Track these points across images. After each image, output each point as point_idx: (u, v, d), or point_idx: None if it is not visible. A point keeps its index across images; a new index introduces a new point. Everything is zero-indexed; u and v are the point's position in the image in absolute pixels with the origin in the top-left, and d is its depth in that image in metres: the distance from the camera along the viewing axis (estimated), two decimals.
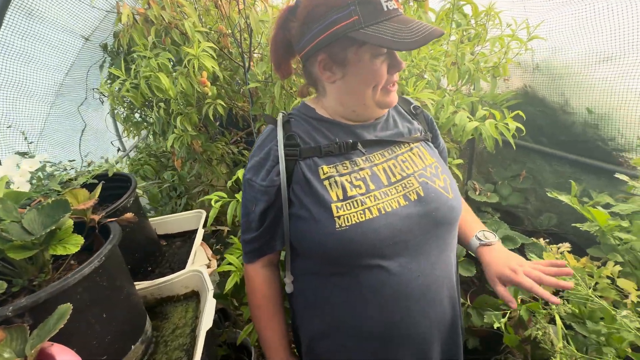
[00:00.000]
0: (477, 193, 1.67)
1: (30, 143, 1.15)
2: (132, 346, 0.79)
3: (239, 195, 1.20)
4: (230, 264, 1.16)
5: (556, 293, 1.13)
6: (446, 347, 0.78)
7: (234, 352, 1.40)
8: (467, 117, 1.32)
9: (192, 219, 1.47)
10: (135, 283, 0.96)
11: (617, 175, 1.12)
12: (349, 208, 0.66)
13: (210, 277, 1.27)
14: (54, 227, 0.67)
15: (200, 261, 1.29)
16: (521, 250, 1.39)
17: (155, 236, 1.30)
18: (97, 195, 0.85)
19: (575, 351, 0.90)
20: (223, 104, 1.51)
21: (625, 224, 1.07)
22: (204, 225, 1.34)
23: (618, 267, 1.03)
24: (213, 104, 1.48)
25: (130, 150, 2.56)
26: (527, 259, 0.78)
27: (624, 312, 0.88)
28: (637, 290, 0.98)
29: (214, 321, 1.49)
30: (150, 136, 2.04)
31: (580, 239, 1.47)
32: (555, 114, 1.60)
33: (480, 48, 1.55)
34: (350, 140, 0.72)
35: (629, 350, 0.89)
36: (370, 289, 0.69)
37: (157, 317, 0.99)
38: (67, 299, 0.60)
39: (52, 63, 1.48)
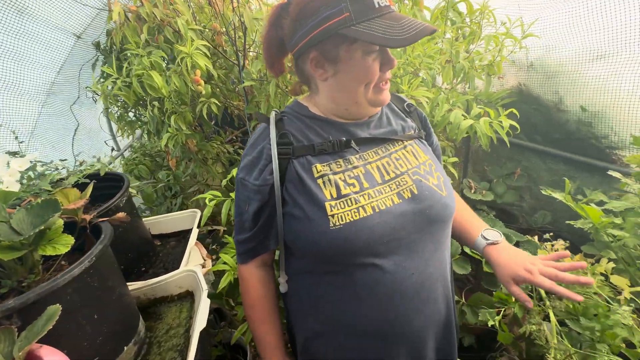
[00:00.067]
0: (473, 191, 1.68)
1: (21, 142, 1.14)
2: (125, 347, 0.79)
3: (233, 194, 1.19)
4: (225, 263, 1.16)
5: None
6: (441, 345, 0.78)
7: (230, 352, 1.40)
8: (462, 115, 1.32)
9: (186, 219, 1.46)
10: (128, 283, 0.95)
11: (610, 172, 1.13)
12: (342, 206, 0.66)
13: (205, 276, 1.26)
14: (43, 227, 0.66)
15: (195, 261, 1.28)
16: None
17: (149, 236, 1.28)
18: (88, 195, 0.84)
19: (570, 346, 0.90)
20: (217, 102, 1.50)
21: (618, 221, 1.08)
22: (199, 225, 1.34)
23: (611, 264, 1.03)
24: (207, 102, 1.47)
25: (125, 150, 2.54)
26: None
27: (624, 307, 0.89)
28: (630, 286, 0.99)
29: (209, 321, 1.49)
30: (145, 135, 2.02)
31: (574, 237, 1.47)
32: (549, 112, 1.61)
33: (475, 46, 1.55)
34: (344, 139, 0.71)
35: (623, 346, 0.89)
36: (364, 287, 0.68)
37: (150, 318, 0.98)
38: (56, 300, 0.59)
39: (43, 61, 1.45)
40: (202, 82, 1.41)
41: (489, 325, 1.04)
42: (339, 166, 0.70)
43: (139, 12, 1.32)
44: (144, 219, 1.38)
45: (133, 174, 2.09)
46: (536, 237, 1.32)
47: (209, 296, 1.11)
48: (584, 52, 1.35)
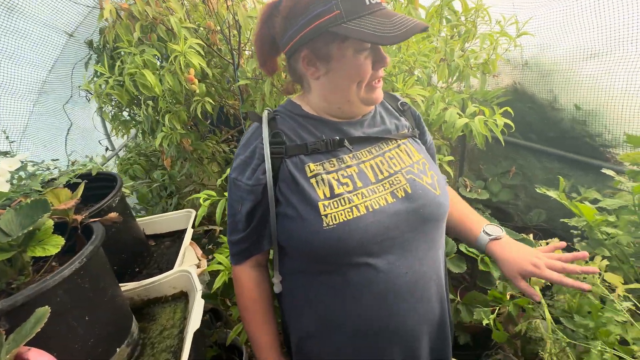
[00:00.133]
0: (468, 190, 1.68)
1: (12, 142, 1.12)
2: (117, 349, 0.78)
3: None
4: (219, 263, 1.15)
5: (548, 287, 1.14)
6: (435, 344, 0.78)
7: (225, 352, 1.39)
8: (458, 113, 1.32)
9: (181, 219, 1.45)
10: (121, 284, 0.94)
11: (604, 170, 1.13)
12: (336, 206, 0.65)
13: (200, 277, 1.25)
14: (32, 228, 0.65)
15: (189, 261, 1.27)
16: None
17: (142, 236, 1.27)
18: (79, 195, 0.83)
19: (565, 337, 0.90)
20: (211, 101, 1.49)
21: (612, 218, 1.08)
22: (194, 225, 1.33)
23: (605, 262, 1.04)
24: (201, 101, 1.46)
25: (120, 150, 2.52)
26: None
27: (625, 304, 0.89)
28: (623, 284, 1.00)
29: (205, 322, 1.48)
30: (140, 135, 2.01)
31: (568, 234, 1.48)
32: (544, 110, 1.62)
33: (470, 45, 1.55)
34: (337, 138, 0.70)
35: (617, 341, 0.90)
36: (358, 287, 0.68)
37: (144, 319, 0.98)
38: (45, 301, 0.58)
39: (34, 59, 1.43)
40: (196, 81, 1.40)
41: (484, 324, 1.04)
42: (332, 165, 0.69)
43: (131, 10, 1.31)
44: (138, 219, 1.37)
45: (128, 174, 2.07)
46: (531, 235, 1.32)
47: (203, 296, 1.11)
48: (578, 51, 1.36)
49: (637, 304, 0.97)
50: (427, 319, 0.74)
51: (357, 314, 0.69)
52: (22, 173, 0.95)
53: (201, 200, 1.21)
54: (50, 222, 0.70)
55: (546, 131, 1.65)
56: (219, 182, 1.43)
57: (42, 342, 0.55)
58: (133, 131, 2.10)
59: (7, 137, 1.09)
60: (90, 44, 1.75)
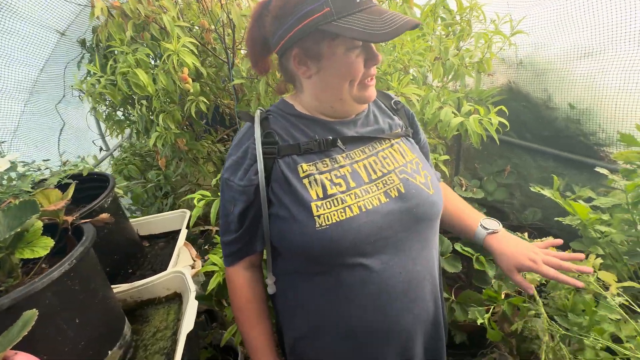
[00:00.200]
0: (463, 189, 1.68)
1: (3, 142, 1.11)
2: (109, 351, 0.77)
3: None
4: (214, 264, 1.14)
5: (543, 285, 1.15)
6: (429, 343, 0.78)
7: (220, 354, 1.38)
8: (453, 112, 1.32)
9: (176, 219, 1.44)
10: (113, 286, 0.93)
11: (597, 169, 1.14)
12: (329, 207, 0.65)
13: (194, 277, 1.24)
14: (20, 230, 0.64)
15: (184, 262, 1.26)
16: None
17: (136, 237, 1.26)
18: (69, 196, 0.82)
19: (560, 329, 0.90)
20: (206, 100, 1.47)
21: (605, 217, 1.09)
22: (188, 226, 1.32)
23: (599, 260, 1.04)
24: (195, 100, 1.44)
25: (114, 150, 2.50)
26: None
27: (617, 299, 0.90)
28: (617, 282, 1.00)
29: (200, 323, 1.47)
30: (134, 135, 1.99)
31: (563, 233, 1.49)
32: (538, 109, 1.62)
33: (465, 44, 1.55)
34: (330, 137, 0.70)
35: (610, 340, 0.90)
36: (352, 287, 0.68)
37: (137, 321, 0.96)
38: (33, 304, 0.57)
39: (25, 59, 1.41)
40: (190, 80, 1.39)
41: (478, 323, 1.04)
42: (325, 165, 0.69)
43: (123, 8, 1.30)
44: (132, 220, 1.36)
45: (123, 174, 2.06)
46: (526, 234, 1.32)
47: (198, 297, 1.10)
48: (572, 50, 1.36)
49: (631, 301, 0.98)
50: (421, 319, 0.74)
51: (350, 314, 0.69)
52: (12, 174, 0.94)
53: (195, 201, 1.20)
54: (39, 224, 0.68)
55: (541, 130, 1.66)
56: (214, 182, 1.42)
57: (29, 346, 0.54)
58: (128, 131, 2.09)
59: None
60: (83, 42, 1.74)
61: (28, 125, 1.54)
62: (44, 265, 0.76)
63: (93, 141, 2.18)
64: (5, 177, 0.88)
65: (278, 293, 0.79)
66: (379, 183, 0.70)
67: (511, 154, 1.83)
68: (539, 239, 1.19)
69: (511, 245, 0.77)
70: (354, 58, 0.63)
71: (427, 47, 1.41)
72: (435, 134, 1.64)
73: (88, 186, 1.17)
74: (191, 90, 1.42)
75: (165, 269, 1.07)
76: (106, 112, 1.82)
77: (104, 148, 2.38)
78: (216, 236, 1.32)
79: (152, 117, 1.59)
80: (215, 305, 1.24)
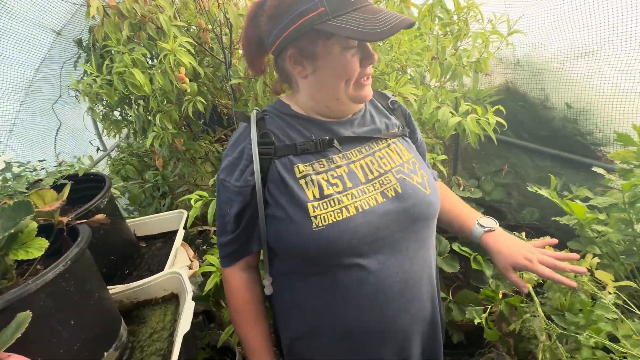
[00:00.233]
0: (461, 189, 1.68)
1: None
2: (105, 353, 0.77)
3: None
4: (211, 264, 1.14)
5: (540, 285, 1.15)
6: (426, 343, 0.78)
7: (218, 354, 1.38)
8: (450, 112, 1.32)
9: (173, 220, 1.43)
10: (109, 287, 0.93)
11: (594, 169, 1.14)
12: (325, 207, 0.65)
13: (192, 278, 1.24)
14: (14, 231, 0.64)
15: (181, 262, 1.26)
16: None
17: (133, 238, 1.26)
18: (65, 196, 0.82)
19: (557, 328, 0.91)
20: (203, 100, 1.47)
21: (602, 216, 1.09)
22: (185, 226, 1.31)
23: (596, 259, 1.04)
24: (192, 100, 1.44)
25: (112, 150, 2.49)
26: None
27: (610, 297, 0.90)
28: (614, 281, 1.00)
29: (198, 323, 1.47)
30: (131, 135, 1.98)
31: (560, 233, 1.49)
32: (536, 109, 1.62)
33: (462, 44, 1.56)
34: (327, 138, 0.70)
35: (607, 339, 0.90)
36: (349, 288, 0.67)
37: (134, 322, 0.96)
38: (27, 306, 0.57)
39: (20, 58, 1.40)
40: (187, 80, 1.38)
41: (476, 323, 1.04)
42: (321, 166, 0.69)
43: (119, 7, 1.29)
44: (129, 220, 1.35)
45: (120, 175, 2.05)
46: (524, 234, 1.32)
47: (196, 298, 1.09)
48: (569, 50, 1.36)
49: (628, 301, 0.98)
50: (418, 319, 0.74)
51: (347, 314, 0.69)
52: (7, 174, 0.93)
53: (192, 202, 1.19)
54: (34, 225, 0.68)
55: (538, 130, 1.66)
56: (211, 182, 1.41)
57: (23, 347, 0.54)
58: (125, 131, 2.08)
59: None
60: (79, 42, 1.73)
61: (24, 125, 1.53)
62: (39, 267, 0.75)
63: (90, 141, 2.17)
64: (0, 177, 0.87)
65: (275, 294, 0.78)
66: (375, 183, 0.70)
67: (509, 154, 1.84)
68: (536, 239, 1.19)
69: (508, 244, 0.78)
70: (350, 57, 0.63)
71: (425, 47, 1.40)
72: (433, 133, 1.64)
73: (84, 187, 1.16)
74: (188, 90, 1.42)
75: (162, 270, 1.07)
76: (103, 112, 1.81)
77: (101, 148, 2.37)
78: (214, 236, 1.32)
79: (149, 117, 1.58)
80: (212, 306, 1.23)
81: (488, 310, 1.11)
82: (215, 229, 1.89)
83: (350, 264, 0.66)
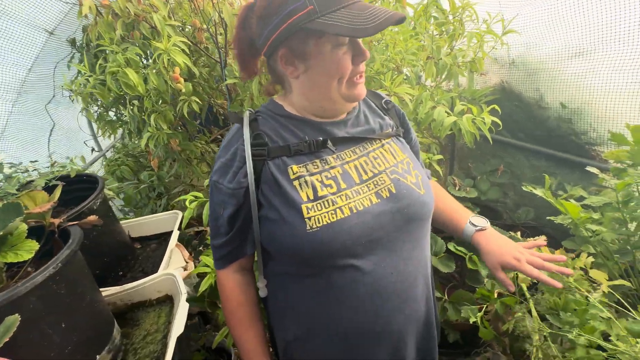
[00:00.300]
0: (457, 188, 1.69)
1: None
2: (97, 356, 0.76)
3: None
4: (206, 265, 1.13)
5: (534, 285, 1.15)
6: (421, 344, 0.78)
7: (213, 356, 1.37)
8: (446, 112, 1.32)
9: (168, 220, 1.42)
10: (102, 289, 0.92)
11: (588, 168, 1.14)
12: (319, 208, 0.64)
13: (187, 279, 1.23)
14: (3, 233, 0.63)
15: (176, 264, 1.25)
16: None
17: (127, 239, 1.25)
18: (56, 198, 0.81)
19: (547, 329, 0.91)
20: (199, 100, 1.46)
21: (596, 216, 1.09)
22: (180, 227, 1.30)
23: (591, 259, 1.05)
24: (187, 100, 1.43)
25: (107, 151, 2.47)
26: None
27: (595, 295, 0.91)
28: (608, 280, 1.01)
29: (193, 325, 1.46)
30: (127, 135, 1.97)
31: (556, 232, 1.50)
32: (531, 109, 1.63)
33: (457, 43, 1.56)
34: (320, 138, 0.69)
35: (601, 338, 0.90)
36: (343, 289, 0.67)
37: (127, 324, 0.95)
38: (16, 309, 0.56)
39: (11, 58, 1.39)
40: (182, 80, 1.37)
41: (471, 322, 1.04)
42: (315, 167, 0.68)
43: (112, 6, 1.28)
44: (123, 222, 1.34)
45: (115, 175, 2.03)
46: (519, 233, 1.33)
47: (191, 299, 1.09)
48: (563, 50, 1.37)
49: (622, 299, 0.99)
50: (413, 319, 0.74)
51: (341, 316, 0.69)
52: None
53: (187, 202, 1.19)
54: (24, 227, 0.67)
55: (533, 129, 1.67)
56: (206, 182, 1.40)
57: (12, 352, 0.53)
58: (120, 131, 2.06)
59: None
60: (73, 42, 1.71)
61: (17, 125, 1.52)
62: (30, 269, 0.75)
63: (85, 142, 2.15)
64: None
65: (269, 295, 0.78)
66: (370, 184, 0.69)
67: (504, 154, 1.84)
68: (531, 238, 1.20)
69: (498, 244, 0.79)
70: (341, 55, 0.62)
71: (420, 47, 1.40)
72: (429, 133, 1.64)
73: (77, 187, 1.15)
74: (183, 90, 1.41)
75: (156, 271, 1.06)
76: (97, 112, 1.80)
77: (96, 149, 2.35)
78: (209, 237, 1.31)
79: (144, 118, 1.57)
80: (208, 307, 1.23)
81: (483, 309, 1.11)
82: None
83: (344, 265, 0.66)
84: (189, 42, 1.46)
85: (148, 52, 1.53)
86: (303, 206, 0.64)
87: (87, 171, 1.78)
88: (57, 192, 0.82)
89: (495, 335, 1.13)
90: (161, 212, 1.78)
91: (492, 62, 1.72)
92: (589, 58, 1.27)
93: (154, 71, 1.34)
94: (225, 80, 1.46)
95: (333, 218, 0.64)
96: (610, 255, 1.11)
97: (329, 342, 0.72)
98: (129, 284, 0.97)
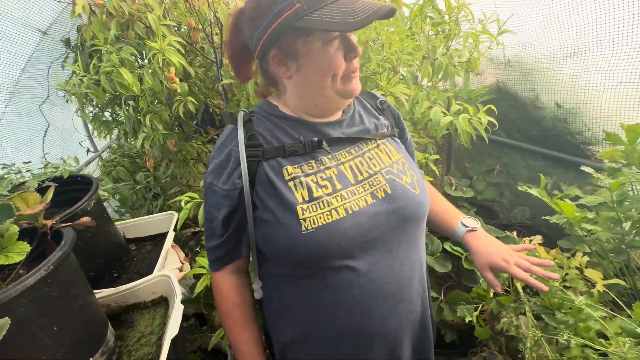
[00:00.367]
0: (453, 188, 1.69)
1: None
2: (90, 358, 0.75)
3: None
4: (202, 267, 1.12)
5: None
6: (417, 344, 0.77)
7: (209, 357, 1.37)
8: (442, 112, 1.33)
9: (163, 221, 1.42)
10: (96, 291, 0.91)
11: (583, 168, 1.15)
12: (315, 209, 0.64)
13: (183, 281, 1.22)
14: None
15: (171, 265, 1.24)
16: None
17: (121, 240, 1.24)
18: (48, 199, 0.80)
19: (538, 332, 0.91)
20: (194, 101, 1.45)
21: (591, 215, 1.10)
22: (176, 228, 1.30)
23: (586, 258, 1.05)
24: (183, 100, 1.42)
25: (103, 151, 2.46)
26: None
27: (581, 298, 0.92)
28: (603, 279, 1.01)
29: (189, 326, 1.45)
30: (122, 136, 1.95)
31: (552, 231, 1.50)
32: (526, 109, 1.64)
33: (453, 43, 1.56)
34: (315, 139, 0.69)
35: (596, 337, 0.90)
36: (338, 290, 0.67)
37: (122, 326, 0.95)
38: (7, 312, 0.55)
39: (4, 58, 1.37)
40: (177, 80, 1.36)
41: (467, 321, 1.04)
42: (310, 168, 0.68)
43: (106, 6, 1.27)
44: (118, 223, 1.33)
45: (111, 176, 2.02)
46: (515, 233, 1.33)
47: (186, 301, 1.08)
48: (558, 50, 1.37)
49: (616, 298, 0.99)
50: (409, 320, 0.74)
51: (337, 317, 0.68)
52: None
53: (182, 203, 1.18)
54: (15, 228, 0.66)
55: (529, 129, 1.67)
56: (201, 183, 1.40)
57: (2, 355, 0.53)
58: (116, 132, 2.05)
59: None
60: (67, 42, 1.70)
61: (10, 126, 1.50)
62: (21, 271, 0.74)
63: (80, 142, 2.13)
64: None
65: (264, 296, 0.77)
66: (365, 184, 0.69)
67: (501, 153, 1.85)
68: (527, 237, 1.20)
69: (487, 245, 0.80)
70: (333, 52, 0.62)
71: (416, 47, 1.40)
72: (426, 133, 1.64)
73: (71, 189, 1.14)
74: (179, 90, 1.40)
75: (152, 273, 1.06)
76: (93, 112, 1.78)
77: (91, 150, 2.34)
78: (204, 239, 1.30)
79: (139, 118, 1.56)
80: (204, 309, 1.22)
81: (479, 308, 1.11)
82: None
83: (339, 266, 0.65)
84: (185, 42, 1.45)
85: (143, 52, 1.52)
86: (298, 207, 0.64)
87: (82, 172, 1.77)
88: (50, 194, 0.81)
89: (491, 334, 1.13)
90: (158, 213, 1.77)
91: (487, 62, 1.72)
92: (584, 58, 1.28)
93: (149, 71, 1.33)
94: (222, 80, 1.46)
95: (328, 219, 0.64)
96: (605, 255, 1.11)
97: (325, 343, 0.72)
98: (123, 286, 0.96)
